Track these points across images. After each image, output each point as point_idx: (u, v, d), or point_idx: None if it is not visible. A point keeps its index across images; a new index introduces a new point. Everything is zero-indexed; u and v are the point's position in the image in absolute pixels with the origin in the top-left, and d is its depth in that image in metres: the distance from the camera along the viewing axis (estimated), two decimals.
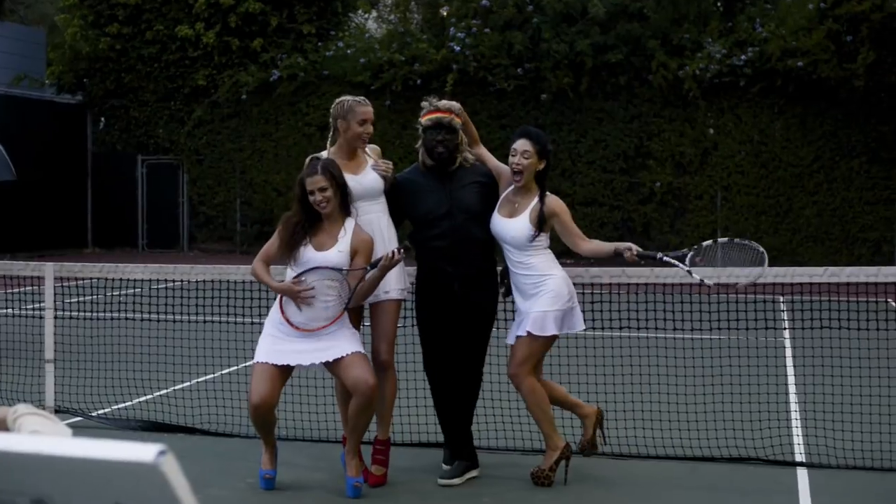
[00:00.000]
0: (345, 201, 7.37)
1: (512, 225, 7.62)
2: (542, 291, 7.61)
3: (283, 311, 7.38)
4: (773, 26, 26.87)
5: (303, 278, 7.29)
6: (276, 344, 7.38)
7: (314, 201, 7.27)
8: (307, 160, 7.63)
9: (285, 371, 7.41)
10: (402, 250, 7.36)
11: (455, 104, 7.89)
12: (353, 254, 7.35)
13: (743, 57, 26.86)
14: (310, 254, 7.32)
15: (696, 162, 27.76)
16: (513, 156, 7.69)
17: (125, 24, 31.71)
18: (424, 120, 7.78)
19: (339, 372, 7.38)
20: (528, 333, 7.57)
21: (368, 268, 7.31)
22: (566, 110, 28.40)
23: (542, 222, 7.63)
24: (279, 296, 7.41)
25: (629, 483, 7.84)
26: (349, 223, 7.41)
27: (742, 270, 7.71)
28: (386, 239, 7.61)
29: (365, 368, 7.29)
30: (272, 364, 7.34)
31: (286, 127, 30.46)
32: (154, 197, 32.07)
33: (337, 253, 7.33)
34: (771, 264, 22.20)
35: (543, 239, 7.70)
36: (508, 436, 8.79)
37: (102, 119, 32.54)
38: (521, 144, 7.68)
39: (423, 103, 7.90)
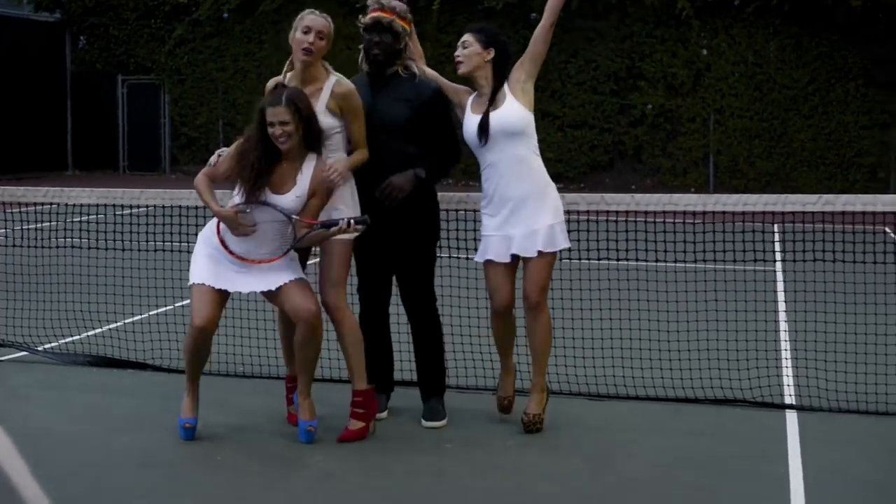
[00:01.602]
0: (309, 137, 6.73)
1: (500, 114, 6.99)
2: (546, 201, 7.03)
3: (220, 237, 6.79)
4: None
5: (247, 210, 6.70)
6: (213, 265, 6.79)
7: (272, 134, 6.62)
8: (269, 85, 6.97)
9: (224, 295, 6.83)
10: (359, 224, 6.74)
11: (400, 5, 7.20)
12: (311, 195, 6.73)
13: None
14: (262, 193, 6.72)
15: (688, 84, 27.16)
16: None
17: None
18: (366, 18, 7.13)
19: (279, 300, 6.79)
20: (540, 253, 6.96)
21: (318, 226, 6.71)
22: (556, 30, 27.38)
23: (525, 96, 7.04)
24: (216, 227, 6.83)
25: (606, 426, 7.30)
26: (309, 162, 6.77)
27: None
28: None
29: (307, 296, 6.70)
30: (211, 286, 6.75)
31: (269, 46, 29.77)
32: (135, 118, 31.44)
33: (294, 199, 6.71)
34: (764, 190, 21.93)
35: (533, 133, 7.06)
36: (478, 374, 8.25)
37: (82, 38, 31.81)
38: (463, 38, 7.10)
39: (369, 1, 7.22)
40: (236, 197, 6.82)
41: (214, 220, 6.84)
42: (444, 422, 7.21)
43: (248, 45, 30.07)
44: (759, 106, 26.75)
